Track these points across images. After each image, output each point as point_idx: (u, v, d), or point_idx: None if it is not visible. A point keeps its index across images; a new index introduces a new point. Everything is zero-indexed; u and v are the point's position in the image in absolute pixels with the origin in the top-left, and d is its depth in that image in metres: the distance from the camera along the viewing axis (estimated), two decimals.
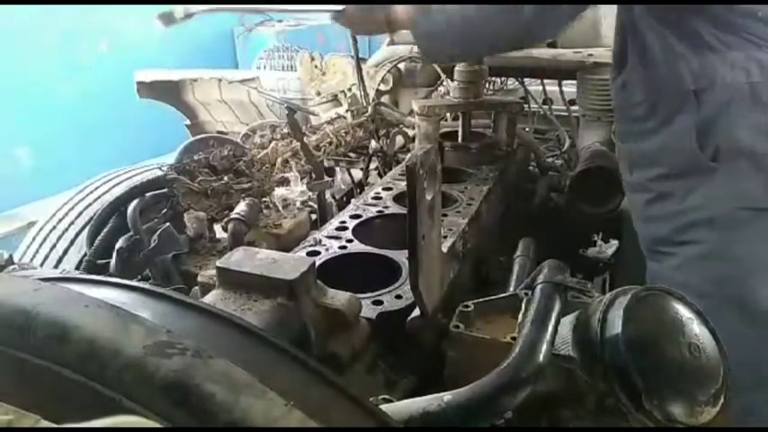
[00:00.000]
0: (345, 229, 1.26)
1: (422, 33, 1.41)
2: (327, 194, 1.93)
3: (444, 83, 2.53)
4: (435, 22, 1.38)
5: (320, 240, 1.20)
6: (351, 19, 1.53)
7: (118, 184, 2.14)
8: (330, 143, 2.18)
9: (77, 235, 1.96)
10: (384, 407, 0.63)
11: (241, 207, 1.59)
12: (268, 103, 3.15)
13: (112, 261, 1.58)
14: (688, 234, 1.28)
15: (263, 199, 1.73)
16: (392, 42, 2.70)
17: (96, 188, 2.15)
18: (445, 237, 1.16)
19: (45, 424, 0.40)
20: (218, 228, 1.67)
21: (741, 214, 1.22)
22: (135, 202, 1.68)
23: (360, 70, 2.46)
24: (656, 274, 1.37)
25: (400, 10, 1.42)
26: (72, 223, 2.02)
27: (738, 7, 1.18)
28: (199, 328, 0.57)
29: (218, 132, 3.16)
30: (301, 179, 1.85)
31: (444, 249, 1.06)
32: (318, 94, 3.00)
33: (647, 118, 1.32)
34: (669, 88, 1.26)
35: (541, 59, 2.35)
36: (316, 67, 3.07)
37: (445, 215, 1.29)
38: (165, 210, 1.70)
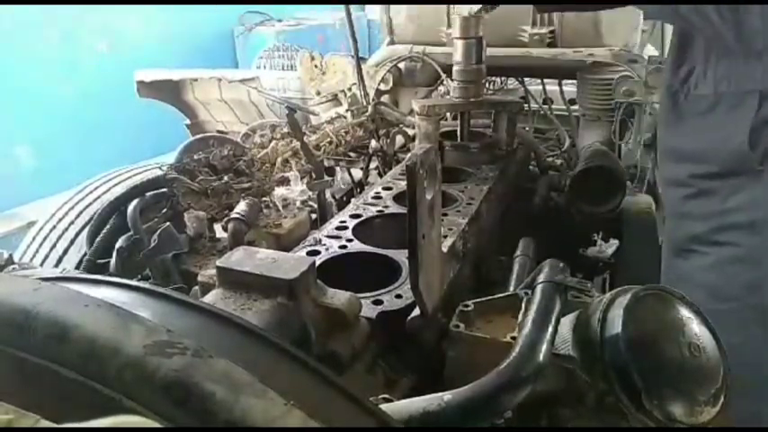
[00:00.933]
0: (345, 228, 1.26)
1: None
2: (327, 194, 1.93)
3: (444, 82, 2.53)
4: None
5: (320, 240, 1.20)
6: None
7: (118, 183, 2.14)
8: (330, 143, 2.18)
9: (77, 235, 1.96)
10: (384, 407, 0.63)
11: (241, 207, 1.59)
12: (268, 103, 3.15)
13: (112, 261, 1.59)
14: (726, 235, 1.25)
15: (263, 198, 1.73)
16: (392, 42, 2.70)
17: (96, 188, 2.16)
18: (445, 236, 1.16)
19: (45, 424, 0.40)
20: (218, 227, 1.67)
21: None
22: (135, 201, 1.69)
23: (360, 70, 2.46)
24: (680, 271, 1.34)
25: None
26: (72, 223, 2.02)
27: None
28: (199, 328, 0.57)
29: (218, 132, 3.17)
30: (301, 179, 1.85)
31: (444, 249, 1.06)
32: (318, 93, 3.00)
33: (707, 112, 1.26)
34: (738, 84, 1.19)
35: (541, 59, 2.35)
36: (316, 66, 3.07)
37: (445, 215, 1.29)
38: (165, 209, 1.71)
